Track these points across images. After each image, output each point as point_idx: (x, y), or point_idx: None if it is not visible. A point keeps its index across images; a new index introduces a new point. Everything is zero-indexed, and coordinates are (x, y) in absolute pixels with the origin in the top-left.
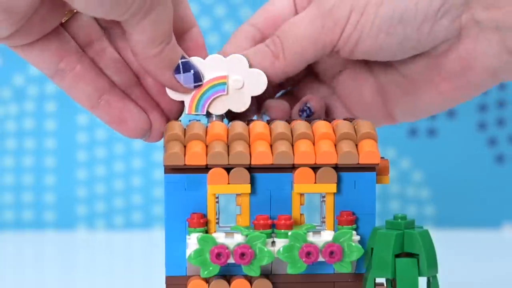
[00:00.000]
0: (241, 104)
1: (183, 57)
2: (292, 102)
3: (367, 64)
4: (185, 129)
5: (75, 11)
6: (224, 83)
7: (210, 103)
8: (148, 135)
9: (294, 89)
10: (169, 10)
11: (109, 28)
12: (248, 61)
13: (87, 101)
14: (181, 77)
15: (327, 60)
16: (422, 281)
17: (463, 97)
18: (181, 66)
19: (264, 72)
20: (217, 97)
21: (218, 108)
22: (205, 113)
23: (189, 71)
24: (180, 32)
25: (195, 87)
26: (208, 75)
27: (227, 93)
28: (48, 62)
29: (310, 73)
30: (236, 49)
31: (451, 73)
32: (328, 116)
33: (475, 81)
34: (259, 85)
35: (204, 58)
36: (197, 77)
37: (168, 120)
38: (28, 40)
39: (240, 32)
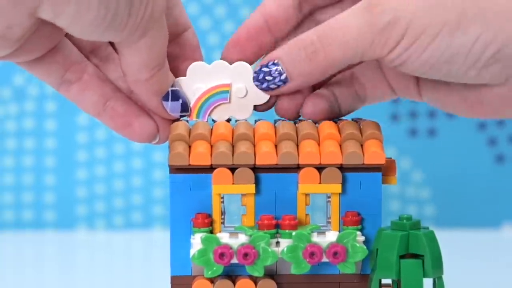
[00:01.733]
0: (244, 113)
1: (173, 85)
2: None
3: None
4: (190, 129)
5: None
6: (227, 91)
7: (212, 110)
8: (156, 139)
9: None
10: (164, 33)
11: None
12: (283, 69)
13: (93, 108)
14: (168, 104)
15: None
16: (428, 282)
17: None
18: (170, 94)
19: (303, 80)
20: (219, 104)
21: (220, 115)
22: (206, 120)
23: (178, 100)
24: (175, 35)
25: (181, 116)
26: (211, 81)
27: (230, 102)
28: (54, 75)
29: None
30: (278, 6)
31: (489, 104)
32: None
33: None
34: (263, 94)
35: (199, 60)
36: (185, 107)
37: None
38: (33, 56)
39: None
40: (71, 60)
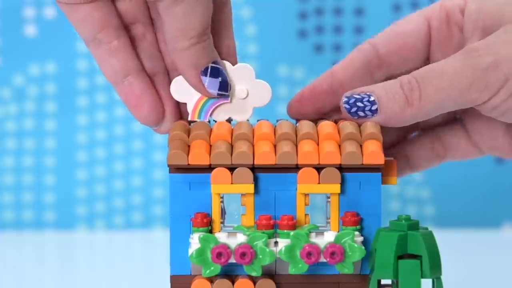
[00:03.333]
0: (244, 114)
1: (215, 63)
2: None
3: None
4: (189, 129)
5: None
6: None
7: (213, 111)
8: (160, 125)
9: None
10: (204, 5)
11: (156, 18)
12: (376, 100)
13: (112, 77)
14: (206, 80)
15: None
16: (428, 283)
17: None
18: (209, 69)
19: (392, 116)
20: (220, 105)
21: (221, 116)
22: (207, 120)
23: (217, 78)
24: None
25: (219, 95)
26: None
27: (231, 102)
28: (88, 28)
29: None
30: (347, 72)
31: None
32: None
33: None
34: (263, 97)
35: (231, 40)
36: (224, 86)
37: (181, 114)
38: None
39: (359, 52)
40: (109, 22)
